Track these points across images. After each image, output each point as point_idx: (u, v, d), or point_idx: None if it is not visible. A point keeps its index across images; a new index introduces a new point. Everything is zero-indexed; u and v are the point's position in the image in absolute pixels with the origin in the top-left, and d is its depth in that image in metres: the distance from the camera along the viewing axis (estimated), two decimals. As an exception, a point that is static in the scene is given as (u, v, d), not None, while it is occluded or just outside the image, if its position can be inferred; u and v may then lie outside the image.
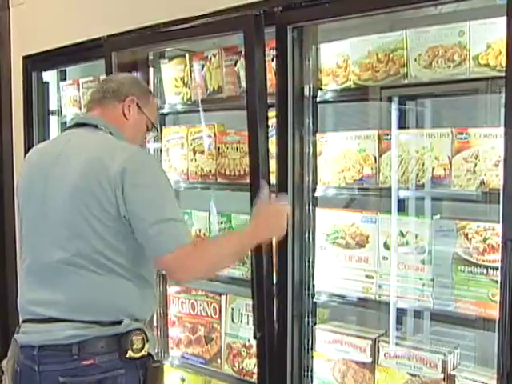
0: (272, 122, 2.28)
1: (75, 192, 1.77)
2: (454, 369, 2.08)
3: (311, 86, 2.29)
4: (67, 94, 3.31)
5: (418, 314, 2.19)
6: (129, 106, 1.98)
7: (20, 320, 1.93)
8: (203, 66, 2.68)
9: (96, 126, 1.91)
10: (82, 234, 1.76)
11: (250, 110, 2.21)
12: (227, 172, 2.59)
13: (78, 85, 3.21)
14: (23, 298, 1.91)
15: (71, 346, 1.74)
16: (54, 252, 1.79)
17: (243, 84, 2.51)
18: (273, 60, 2.34)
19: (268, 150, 2.24)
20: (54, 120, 3.41)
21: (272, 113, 2.30)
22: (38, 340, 1.78)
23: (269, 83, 2.39)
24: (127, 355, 1.77)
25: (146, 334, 1.82)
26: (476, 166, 1.96)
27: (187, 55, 2.74)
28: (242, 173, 2.54)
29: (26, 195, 1.93)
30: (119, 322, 1.78)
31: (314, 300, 2.34)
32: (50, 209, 1.82)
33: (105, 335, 1.76)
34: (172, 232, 1.73)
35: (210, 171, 2.66)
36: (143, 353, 1.80)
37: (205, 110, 2.75)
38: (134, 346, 1.78)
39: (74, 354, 1.73)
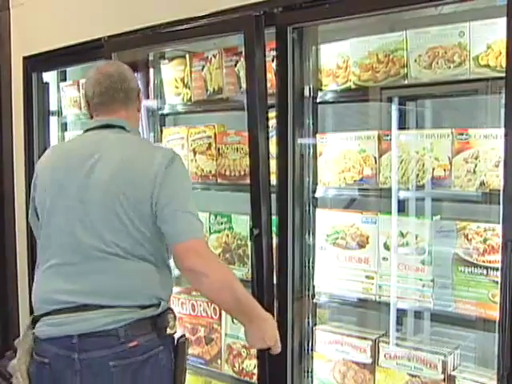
0: (272, 122, 2.28)
1: (115, 186, 1.85)
2: (454, 369, 2.08)
3: (311, 86, 2.29)
4: (67, 94, 3.31)
5: (418, 315, 2.19)
6: (139, 99, 2.09)
7: (36, 313, 1.94)
8: (203, 67, 2.68)
9: (123, 128, 1.99)
10: (121, 225, 1.85)
11: (250, 110, 2.21)
12: (227, 173, 2.59)
13: (79, 85, 3.20)
14: (48, 289, 1.92)
15: (117, 330, 1.82)
16: (94, 243, 1.85)
17: (243, 85, 2.51)
18: (273, 61, 2.34)
19: (268, 150, 2.24)
20: (54, 121, 3.41)
21: (272, 113, 2.30)
22: (77, 329, 1.82)
23: (269, 84, 2.39)
24: (166, 332, 1.93)
25: (174, 312, 1.98)
26: (476, 166, 1.96)
27: (187, 56, 2.75)
28: (242, 173, 2.54)
29: (56, 193, 1.94)
30: (156, 305, 1.90)
31: (314, 301, 2.35)
32: (89, 204, 1.86)
33: (145, 317, 1.87)
34: (189, 222, 1.85)
35: (210, 172, 2.66)
36: (175, 329, 1.98)
37: (205, 111, 2.76)
38: (170, 324, 1.94)
39: (121, 337, 1.82)
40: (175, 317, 1.99)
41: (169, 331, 1.94)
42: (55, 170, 1.97)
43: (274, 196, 2.29)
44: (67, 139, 3.31)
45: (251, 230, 2.24)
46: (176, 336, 1.99)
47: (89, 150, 1.93)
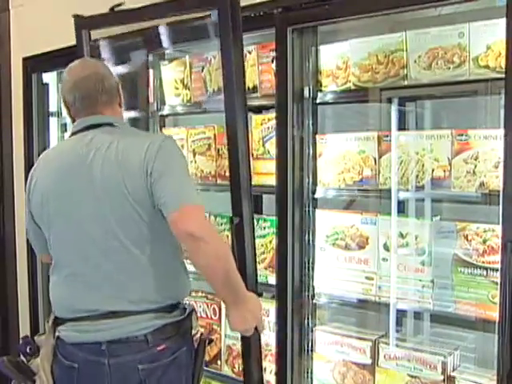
0: (272, 123, 2.28)
1: (117, 185, 1.83)
2: (453, 370, 2.08)
3: (311, 87, 2.29)
4: (67, 95, 3.30)
5: (417, 316, 2.19)
6: (119, 94, 2.05)
7: (58, 315, 1.93)
8: (203, 68, 2.68)
9: (110, 124, 1.97)
10: (134, 223, 1.83)
11: (227, 102, 2.06)
12: (227, 173, 2.59)
13: (78, 86, 3.21)
14: (69, 297, 1.91)
15: (146, 336, 1.83)
16: (114, 244, 1.83)
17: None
18: (272, 61, 2.34)
19: (248, 148, 2.17)
20: (53, 121, 3.41)
21: (272, 114, 2.30)
22: (106, 336, 1.82)
23: (269, 84, 2.40)
24: (190, 334, 1.95)
25: (196, 313, 2.01)
26: (476, 167, 1.96)
27: (187, 57, 2.75)
28: (241, 174, 2.53)
29: (62, 200, 1.90)
30: (181, 308, 1.93)
31: (314, 301, 2.35)
32: (99, 206, 1.84)
33: (172, 321, 1.88)
34: (186, 189, 1.85)
35: (210, 173, 2.66)
36: (197, 329, 2.01)
37: (205, 112, 2.76)
38: (193, 325, 1.96)
39: (150, 342, 1.83)
40: (197, 317, 2.02)
41: (192, 332, 1.96)
42: (53, 177, 1.92)
43: (273, 197, 2.29)
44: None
45: (231, 218, 2.18)
46: (196, 335, 2.01)
47: (84, 152, 1.89)
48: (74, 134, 2.00)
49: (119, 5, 2.38)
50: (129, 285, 1.84)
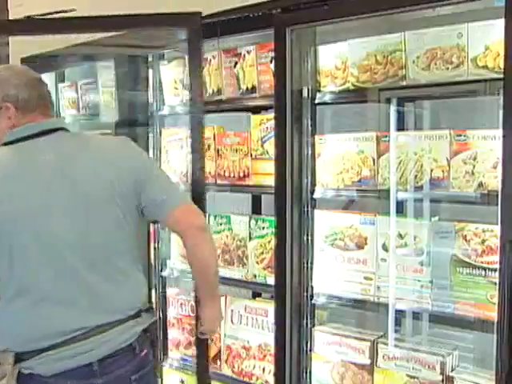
0: (270, 123, 2.28)
1: (107, 189, 1.76)
2: (452, 370, 2.09)
3: (310, 87, 2.29)
4: (65, 95, 3.31)
5: (416, 316, 2.19)
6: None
7: (21, 350, 1.70)
8: (202, 68, 2.68)
9: (64, 129, 1.85)
10: (117, 232, 1.80)
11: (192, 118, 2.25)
12: (226, 173, 2.60)
13: (77, 87, 3.21)
14: (47, 323, 1.70)
15: (132, 344, 1.80)
16: (95, 252, 1.75)
17: (242, 86, 2.52)
18: (271, 62, 2.34)
19: (203, 145, 2.28)
20: (52, 122, 3.41)
21: (271, 115, 2.30)
22: (97, 354, 1.72)
23: (268, 85, 2.40)
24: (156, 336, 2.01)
25: None
26: (474, 167, 1.96)
27: (186, 57, 2.74)
28: (241, 174, 2.54)
29: (26, 214, 1.69)
30: (150, 310, 1.91)
31: (313, 301, 2.34)
32: (79, 212, 1.72)
33: (148, 324, 1.86)
34: (177, 188, 1.94)
35: (210, 173, 2.66)
36: None
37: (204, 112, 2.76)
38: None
39: (136, 349, 1.80)
40: None
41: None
42: (18, 190, 1.70)
43: (272, 197, 2.29)
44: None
45: None
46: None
47: (52, 159, 1.73)
48: (27, 138, 1.76)
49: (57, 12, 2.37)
50: (114, 294, 1.78)
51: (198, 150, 2.22)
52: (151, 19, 2.21)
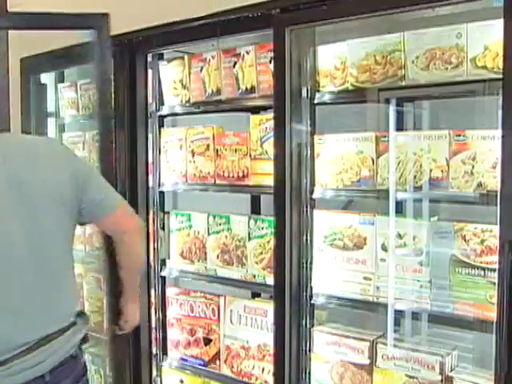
0: (270, 123, 2.28)
1: (51, 192, 1.72)
2: (451, 370, 2.09)
3: (309, 87, 2.29)
4: (65, 95, 3.31)
5: (415, 316, 2.19)
6: None
7: None
8: (202, 68, 2.68)
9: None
10: (60, 237, 1.77)
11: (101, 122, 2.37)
12: (226, 174, 2.60)
13: (76, 87, 3.21)
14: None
15: (76, 351, 1.77)
16: (38, 257, 1.68)
17: (242, 86, 2.52)
18: (271, 62, 2.34)
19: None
20: (51, 122, 3.41)
21: (270, 115, 2.30)
22: (49, 365, 1.68)
23: (267, 85, 2.40)
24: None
25: None
26: (473, 167, 1.97)
27: (186, 57, 2.75)
28: (240, 174, 2.54)
29: None
30: (84, 314, 1.90)
31: (312, 302, 2.34)
32: (29, 219, 1.67)
33: (87, 330, 1.87)
34: (112, 189, 1.92)
35: (209, 173, 2.66)
36: None
37: (203, 112, 2.76)
38: None
39: (78, 356, 1.78)
40: None
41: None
42: None
43: (271, 197, 2.29)
44: (65, 140, 3.30)
45: None
46: None
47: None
48: None
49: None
50: (61, 300, 1.75)
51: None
52: (58, 19, 2.20)
